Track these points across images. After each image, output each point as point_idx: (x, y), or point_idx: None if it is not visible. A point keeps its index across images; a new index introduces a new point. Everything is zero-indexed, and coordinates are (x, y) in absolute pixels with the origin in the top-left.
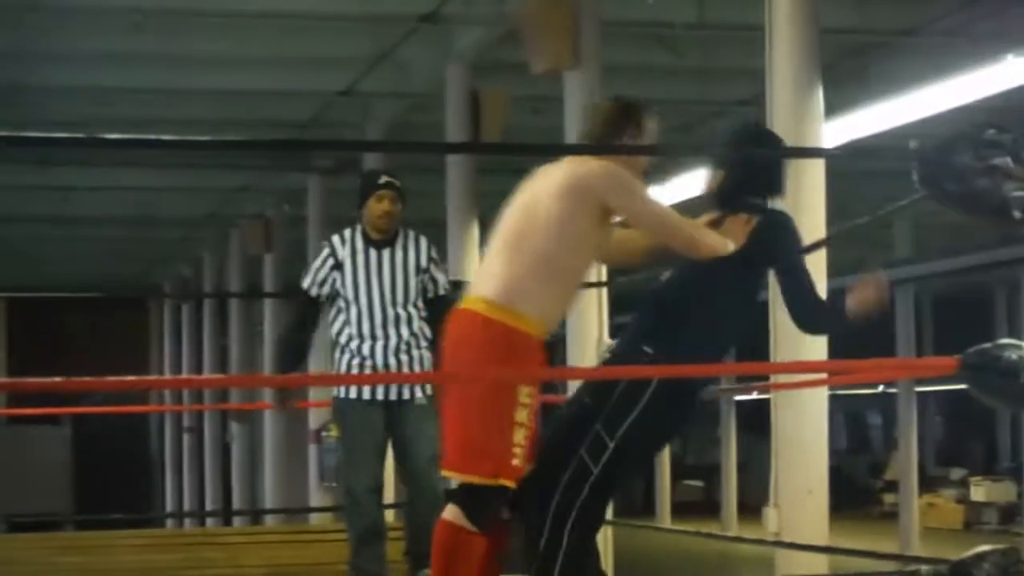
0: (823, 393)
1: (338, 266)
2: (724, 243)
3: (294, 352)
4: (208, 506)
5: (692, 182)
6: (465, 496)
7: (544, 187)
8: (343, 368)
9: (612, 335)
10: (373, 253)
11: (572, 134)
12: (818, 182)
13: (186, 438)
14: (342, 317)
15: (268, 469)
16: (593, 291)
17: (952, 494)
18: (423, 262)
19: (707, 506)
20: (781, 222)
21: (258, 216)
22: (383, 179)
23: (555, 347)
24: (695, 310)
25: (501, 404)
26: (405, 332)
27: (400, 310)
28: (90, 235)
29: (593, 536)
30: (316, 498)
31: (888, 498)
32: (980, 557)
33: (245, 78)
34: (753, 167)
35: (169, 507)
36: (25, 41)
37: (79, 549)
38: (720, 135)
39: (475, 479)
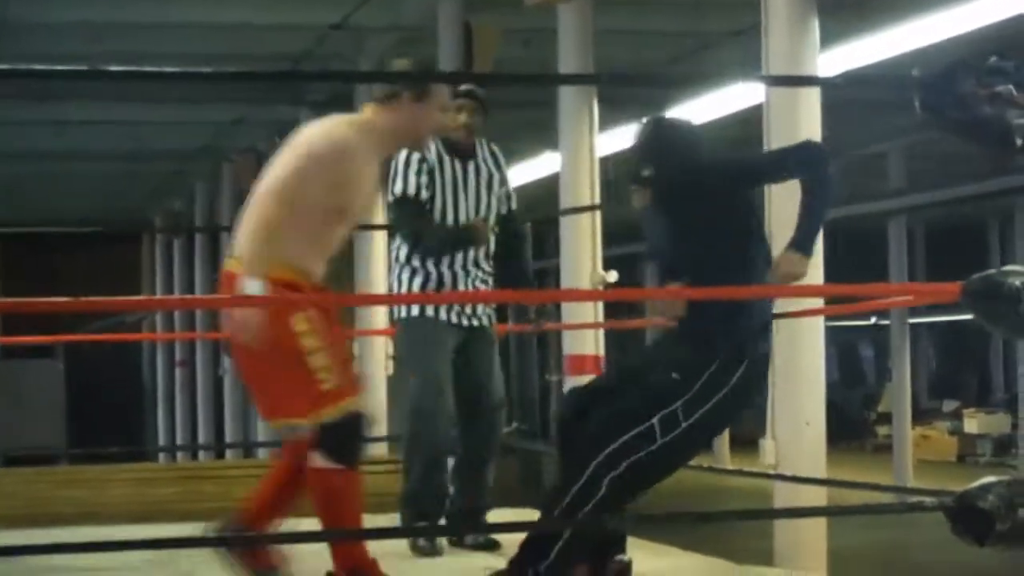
0: (820, 323)
1: (429, 172)
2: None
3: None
4: (200, 440)
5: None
6: (321, 440)
7: (293, 142)
8: (416, 289)
9: (605, 267)
10: (458, 165)
11: (565, 67)
12: (814, 114)
13: (178, 371)
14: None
15: None
16: (586, 222)
17: (946, 426)
18: (505, 175)
19: None
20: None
21: (250, 150)
22: (462, 87)
23: (547, 276)
24: (714, 271)
25: (286, 342)
26: (483, 259)
27: None
28: (82, 170)
29: (628, 501)
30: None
31: (881, 431)
32: (985, 488)
33: (238, 11)
34: (677, 160)
35: (162, 441)
36: None
37: (75, 483)
38: (635, 148)
39: (296, 421)
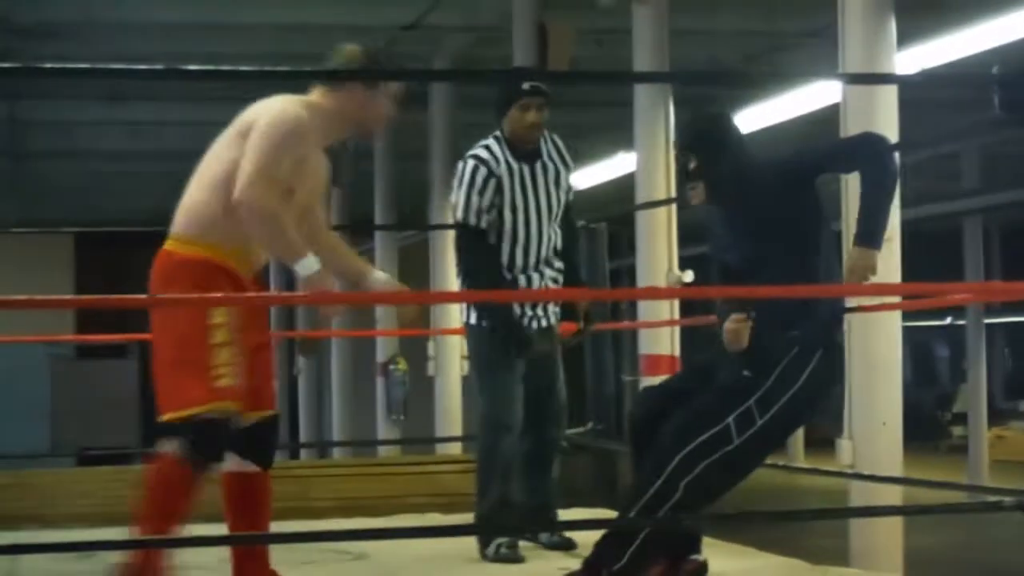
0: (897, 321)
1: (499, 186)
2: (296, 257)
3: (501, 281)
4: None
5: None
6: (184, 431)
7: (238, 120)
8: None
9: (681, 266)
10: (526, 169)
11: (640, 66)
12: (891, 113)
13: None
14: (505, 245)
15: (335, 402)
16: (661, 221)
17: (1021, 426)
18: (569, 166)
19: None
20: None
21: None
22: (528, 84)
23: (621, 276)
24: (785, 268)
25: (191, 329)
26: (552, 256)
27: (551, 231)
28: (156, 170)
29: (705, 504)
30: (383, 431)
31: (956, 431)
32: None
33: (311, 12)
34: (723, 155)
35: None
36: None
37: None
38: (680, 144)
39: (187, 411)
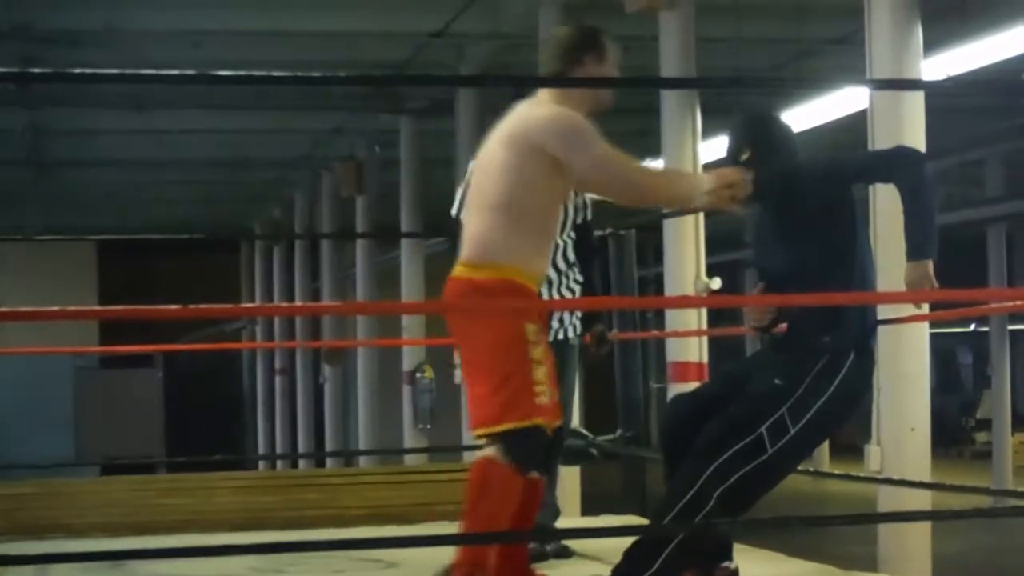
0: (925, 329)
1: None
2: (689, 192)
3: None
4: (300, 448)
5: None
6: (504, 443)
7: (496, 138)
8: None
9: (708, 273)
10: None
11: (667, 73)
12: (918, 119)
13: (278, 380)
14: None
15: (361, 411)
16: (689, 229)
17: None
18: None
19: None
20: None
21: (350, 158)
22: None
23: (648, 284)
24: (820, 273)
25: (512, 349)
26: (562, 264)
27: (559, 239)
28: (182, 178)
29: (739, 513)
30: (410, 440)
31: (980, 437)
32: None
33: (339, 20)
34: (775, 152)
35: (261, 449)
36: None
37: (177, 491)
38: (731, 137)
39: (509, 426)
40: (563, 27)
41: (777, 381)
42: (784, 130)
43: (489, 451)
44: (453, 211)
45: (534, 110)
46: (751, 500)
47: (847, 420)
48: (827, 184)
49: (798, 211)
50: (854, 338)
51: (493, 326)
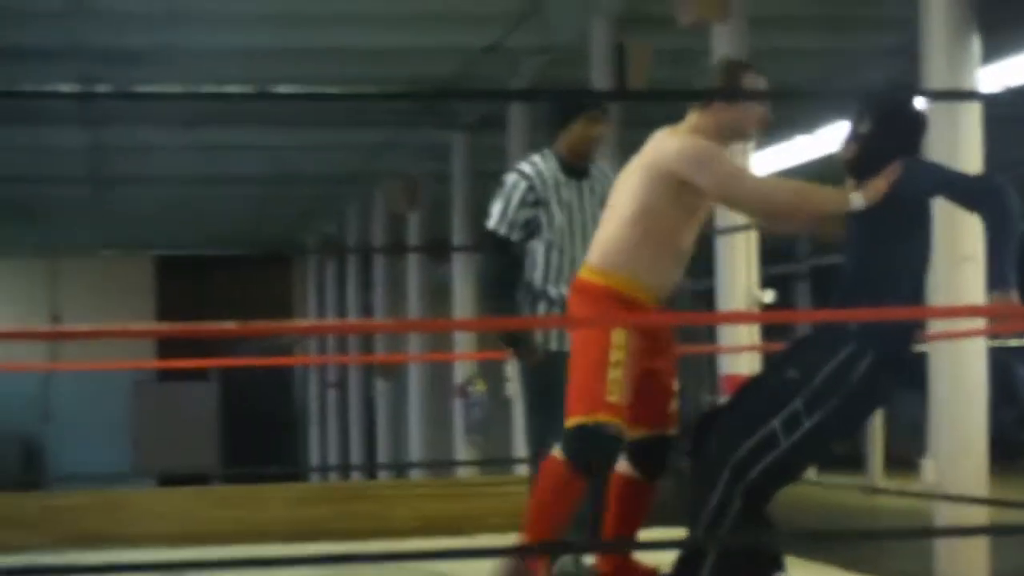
0: (982, 343)
1: (539, 203)
2: (842, 198)
3: (510, 299)
4: (353, 462)
5: (831, 136)
6: (569, 437)
7: (634, 163)
8: (540, 314)
9: (763, 285)
10: (574, 186)
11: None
12: (975, 130)
13: (331, 393)
14: (540, 259)
15: (413, 423)
16: (741, 241)
17: None
18: None
19: (850, 460)
20: (916, 162)
21: (402, 173)
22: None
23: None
24: (876, 274)
25: (595, 348)
26: None
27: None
28: (235, 194)
29: (764, 505)
30: (462, 452)
31: None
32: None
33: (390, 35)
34: (893, 138)
35: (314, 462)
36: (178, 3)
37: (231, 503)
38: (861, 104)
39: (576, 419)
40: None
41: (791, 373)
42: (910, 121)
43: (557, 451)
44: (491, 224)
45: (666, 140)
46: (774, 491)
47: (863, 422)
48: (913, 185)
49: (878, 204)
50: (880, 339)
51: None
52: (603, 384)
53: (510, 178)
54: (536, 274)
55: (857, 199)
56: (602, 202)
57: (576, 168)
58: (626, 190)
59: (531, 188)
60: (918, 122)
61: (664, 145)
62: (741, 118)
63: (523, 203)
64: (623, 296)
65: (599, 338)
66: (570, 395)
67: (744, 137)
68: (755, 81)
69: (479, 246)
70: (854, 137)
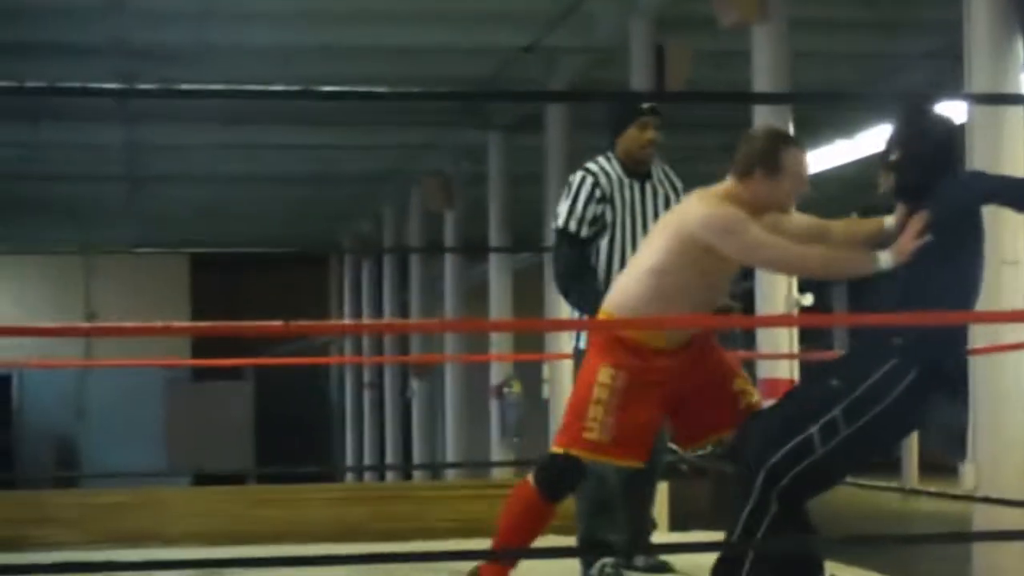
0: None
1: (605, 199)
2: (867, 261)
3: (593, 291)
4: (388, 461)
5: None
6: (543, 464)
7: (663, 220)
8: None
9: (801, 290)
10: (636, 187)
11: (759, 87)
12: (1018, 133)
13: (367, 393)
14: (603, 256)
15: (449, 424)
16: None
17: None
18: (680, 195)
19: (886, 464)
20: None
21: (439, 173)
22: (646, 104)
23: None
24: (925, 287)
25: (584, 386)
26: None
27: None
28: (272, 193)
29: (800, 509)
30: (498, 453)
31: None
32: None
33: (428, 35)
34: (925, 154)
35: (349, 462)
36: (215, 1)
37: (269, 502)
38: (891, 131)
39: (555, 449)
40: (760, 129)
41: (834, 382)
42: (940, 134)
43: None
44: (560, 222)
45: (697, 205)
46: (810, 495)
47: (900, 438)
48: (960, 199)
49: (928, 219)
50: (926, 350)
51: (586, 364)
52: (583, 421)
53: (576, 176)
54: (598, 271)
55: (885, 259)
56: (665, 203)
57: (637, 171)
58: (652, 243)
59: (597, 184)
60: (948, 135)
61: (694, 210)
62: (779, 193)
63: (590, 199)
64: (629, 342)
65: (590, 374)
66: (561, 427)
67: (781, 210)
68: (796, 157)
69: (556, 248)
70: (888, 167)
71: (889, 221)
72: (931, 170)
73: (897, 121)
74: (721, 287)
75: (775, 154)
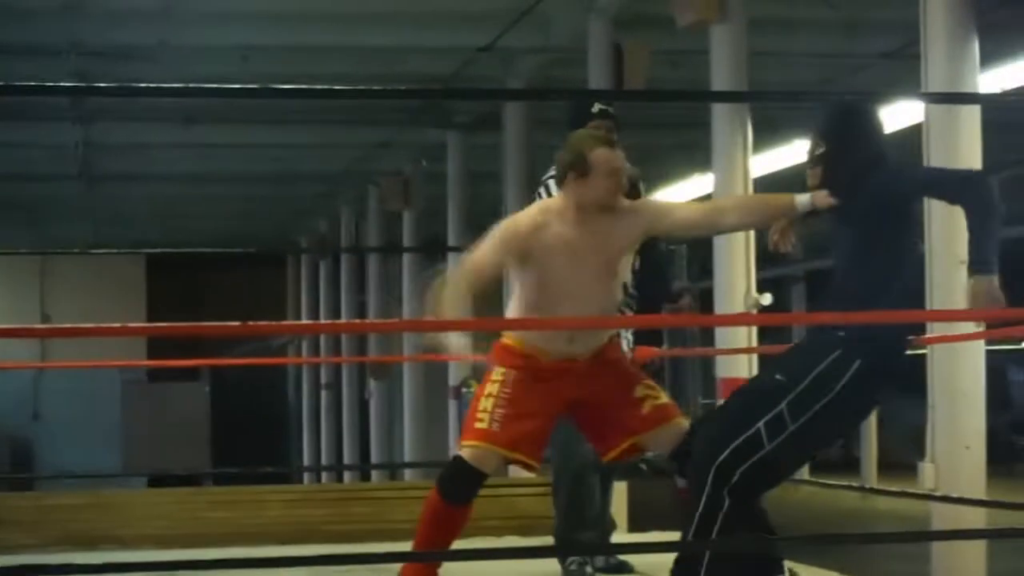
0: (980, 346)
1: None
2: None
3: None
4: (346, 462)
5: None
6: (446, 467)
7: None
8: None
9: (759, 289)
10: None
11: (718, 87)
12: (974, 132)
13: (324, 394)
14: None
15: (407, 425)
16: (740, 246)
17: None
18: (642, 197)
19: (844, 463)
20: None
21: (397, 172)
22: (597, 107)
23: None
24: (863, 281)
25: (481, 389)
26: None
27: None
28: (228, 192)
29: (753, 504)
30: (456, 453)
31: None
32: None
33: (386, 34)
34: (851, 145)
35: (307, 463)
36: (171, 0)
37: (225, 504)
38: (816, 125)
39: (459, 449)
40: (570, 136)
41: (778, 376)
42: (865, 127)
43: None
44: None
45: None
46: (760, 490)
47: (848, 429)
48: (892, 190)
49: (860, 209)
50: (870, 344)
51: (485, 375)
52: (476, 414)
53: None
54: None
55: (802, 201)
56: None
57: None
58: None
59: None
60: (872, 126)
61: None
62: (596, 192)
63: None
64: (517, 350)
65: (486, 378)
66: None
67: (605, 207)
68: (603, 155)
69: None
70: (815, 160)
71: (800, 198)
72: (858, 161)
73: (822, 114)
74: (597, 291)
75: (583, 157)
